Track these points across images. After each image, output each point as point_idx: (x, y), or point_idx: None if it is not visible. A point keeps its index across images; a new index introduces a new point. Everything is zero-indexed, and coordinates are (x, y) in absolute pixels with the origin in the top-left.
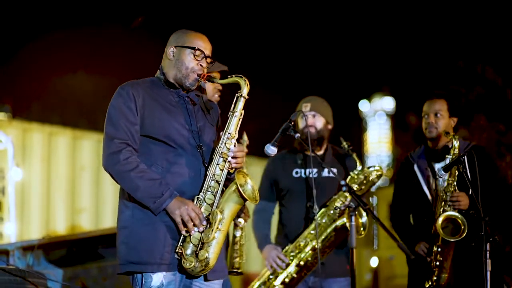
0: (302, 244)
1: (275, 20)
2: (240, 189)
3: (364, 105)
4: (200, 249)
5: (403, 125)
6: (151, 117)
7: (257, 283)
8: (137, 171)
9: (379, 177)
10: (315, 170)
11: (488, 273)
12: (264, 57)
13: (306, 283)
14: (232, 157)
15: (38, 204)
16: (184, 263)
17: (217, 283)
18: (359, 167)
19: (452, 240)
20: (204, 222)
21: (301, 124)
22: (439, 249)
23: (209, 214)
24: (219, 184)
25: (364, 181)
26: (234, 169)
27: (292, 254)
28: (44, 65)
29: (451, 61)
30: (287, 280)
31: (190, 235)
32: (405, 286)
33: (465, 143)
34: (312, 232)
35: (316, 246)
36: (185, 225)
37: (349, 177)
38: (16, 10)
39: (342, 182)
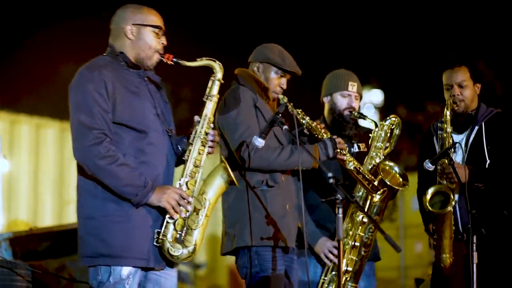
0: (348, 224)
1: (263, 12)
2: (230, 171)
3: None
4: (186, 235)
5: None
6: (122, 103)
7: (325, 285)
8: (118, 163)
9: (398, 124)
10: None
11: (475, 265)
12: (251, 47)
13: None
14: (210, 141)
15: (26, 196)
16: (170, 250)
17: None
18: (374, 127)
19: (435, 212)
20: (190, 200)
21: (342, 104)
22: (434, 227)
23: (192, 197)
24: (199, 168)
25: (386, 137)
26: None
27: (344, 239)
28: (32, 56)
29: (440, 52)
30: (349, 267)
31: (174, 222)
32: (391, 279)
33: (489, 109)
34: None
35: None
36: (173, 209)
37: (370, 138)
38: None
39: (329, 175)
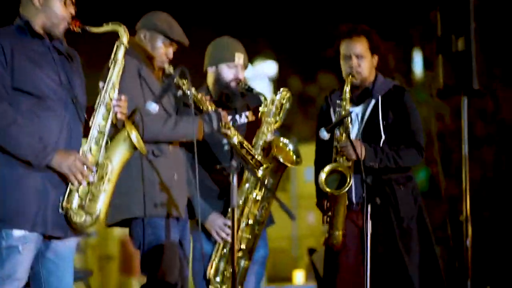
0: (241, 202)
1: None
2: (132, 137)
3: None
4: (90, 201)
5: None
6: (19, 69)
7: (216, 261)
8: (17, 125)
9: (289, 99)
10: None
11: (369, 235)
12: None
13: None
14: (116, 106)
15: None
16: (73, 217)
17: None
18: (264, 101)
19: (331, 192)
20: (94, 170)
21: (228, 76)
22: (328, 204)
23: (97, 164)
24: (103, 134)
25: (277, 111)
26: (117, 120)
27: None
28: None
29: (332, 23)
30: (243, 245)
31: (77, 189)
32: (283, 249)
33: (386, 81)
34: (246, 185)
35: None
36: (74, 177)
37: (260, 113)
38: None
39: (225, 141)
